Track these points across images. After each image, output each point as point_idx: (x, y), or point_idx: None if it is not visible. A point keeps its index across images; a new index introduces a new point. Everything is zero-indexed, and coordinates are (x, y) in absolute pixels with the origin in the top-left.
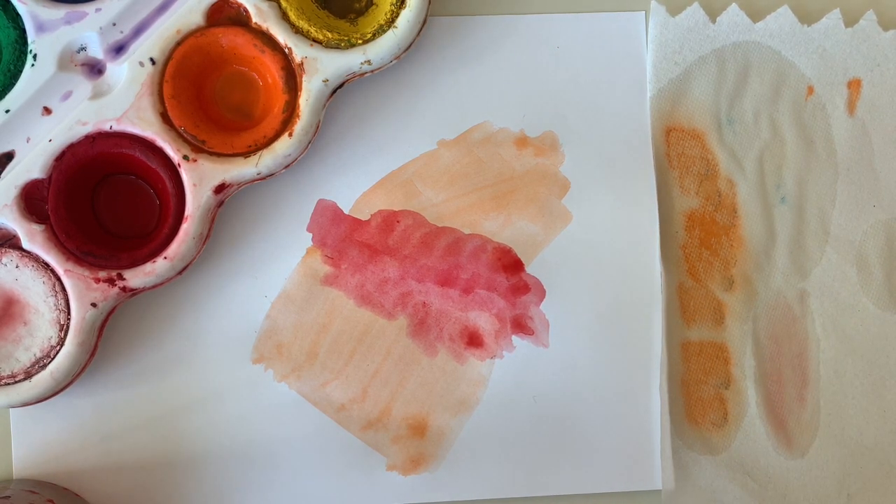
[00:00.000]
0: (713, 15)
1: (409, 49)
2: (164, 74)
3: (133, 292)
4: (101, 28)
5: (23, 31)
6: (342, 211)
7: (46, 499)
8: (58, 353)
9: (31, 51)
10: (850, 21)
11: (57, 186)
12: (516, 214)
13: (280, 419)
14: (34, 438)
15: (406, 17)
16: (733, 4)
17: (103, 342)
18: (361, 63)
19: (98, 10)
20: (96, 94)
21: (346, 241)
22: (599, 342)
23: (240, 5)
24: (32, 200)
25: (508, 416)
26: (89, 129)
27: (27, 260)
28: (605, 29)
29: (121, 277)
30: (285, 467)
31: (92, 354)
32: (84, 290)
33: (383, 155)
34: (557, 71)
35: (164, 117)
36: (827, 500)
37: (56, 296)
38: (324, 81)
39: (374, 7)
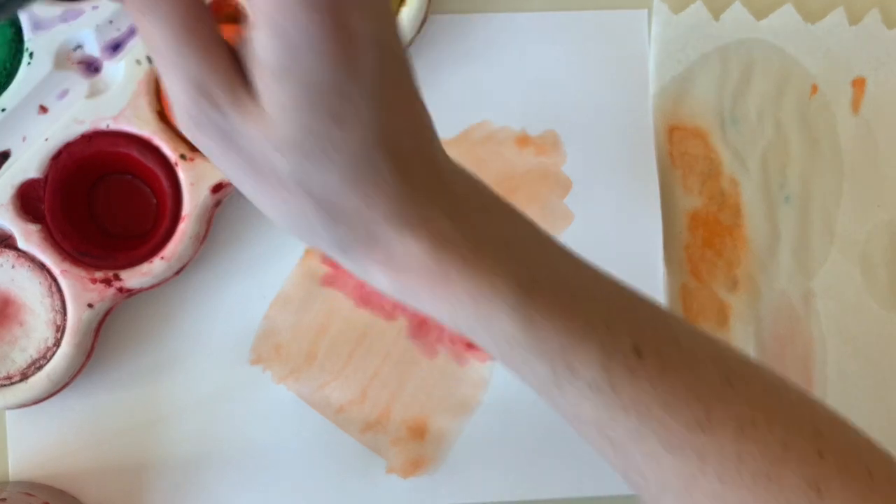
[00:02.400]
0: (716, 13)
1: (409, 47)
2: None
3: (130, 293)
4: (97, 26)
5: (19, 29)
6: None
7: (43, 501)
8: (54, 354)
9: (27, 49)
10: (854, 19)
11: (53, 186)
12: None
13: (278, 421)
14: (30, 440)
15: (406, 16)
16: (736, 2)
17: (100, 343)
18: None
19: (94, 7)
20: (93, 93)
21: None
22: None
23: (238, 4)
24: (28, 200)
25: (509, 419)
26: (86, 127)
27: (23, 260)
28: (608, 26)
29: (117, 278)
30: (283, 469)
31: (88, 355)
32: (80, 291)
33: None
34: (559, 69)
35: (161, 116)
36: None
37: (52, 296)
38: None
39: None
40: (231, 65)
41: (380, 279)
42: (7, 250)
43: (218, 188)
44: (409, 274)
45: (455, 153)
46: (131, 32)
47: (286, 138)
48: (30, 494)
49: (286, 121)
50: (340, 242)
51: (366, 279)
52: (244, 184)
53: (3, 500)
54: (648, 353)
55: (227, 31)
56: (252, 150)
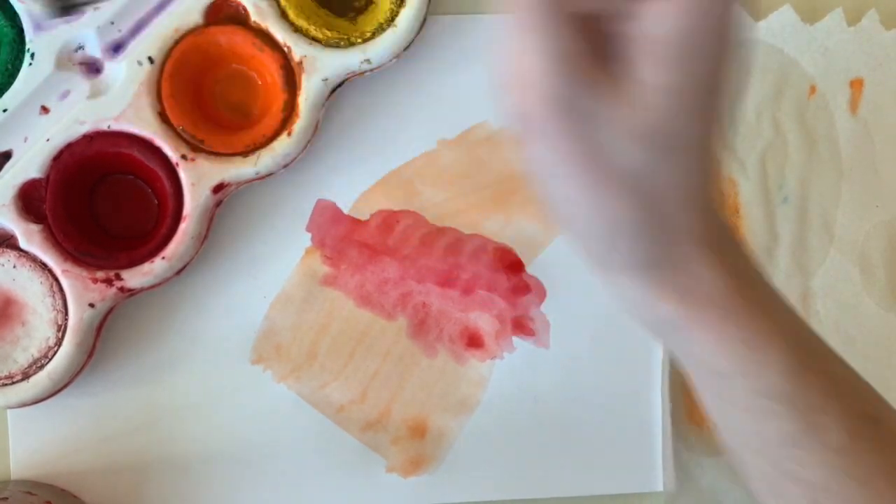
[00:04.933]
0: None
1: (409, 48)
2: (163, 73)
3: (131, 293)
4: (98, 27)
5: (20, 30)
6: (341, 211)
7: (44, 500)
8: (55, 353)
9: (28, 49)
10: (852, 20)
11: (55, 186)
12: (517, 214)
13: (279, 420)
14: (32, 439)
15: (406, 16)
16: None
17: (101, 343)
18: (361, 62)
19: (96, 8)
20: (94, 94)
21: (345, 241)
22: (600, 343)
23: (239, 4)
24: (30, 200)
25: (509, 418)
26: (87, 128)
27: (25, 260)
28: None
29: (119, 278)
30: (284, 468)
31: (90, 355)
32: (82, 291)
33: (383, 155)
34: None
35: (163, 116)
36: None
37: (54, 296)
38: (323, 80)
39: (373, 6)
40: (595, 41)
41: (656, 306)
42: (9, 250)
43: (219, 188)
44: (696, 305)
45: (455, 154)
46: (133, 33)
47: (651, 125)
48: (31, 493)
49: (661, 107)
50: (636, 257)
51: (636, 303)
52: (564, 176)
53: (5, 499)
54: (885, 421)
55: (228, 31)
56: (600, 134)
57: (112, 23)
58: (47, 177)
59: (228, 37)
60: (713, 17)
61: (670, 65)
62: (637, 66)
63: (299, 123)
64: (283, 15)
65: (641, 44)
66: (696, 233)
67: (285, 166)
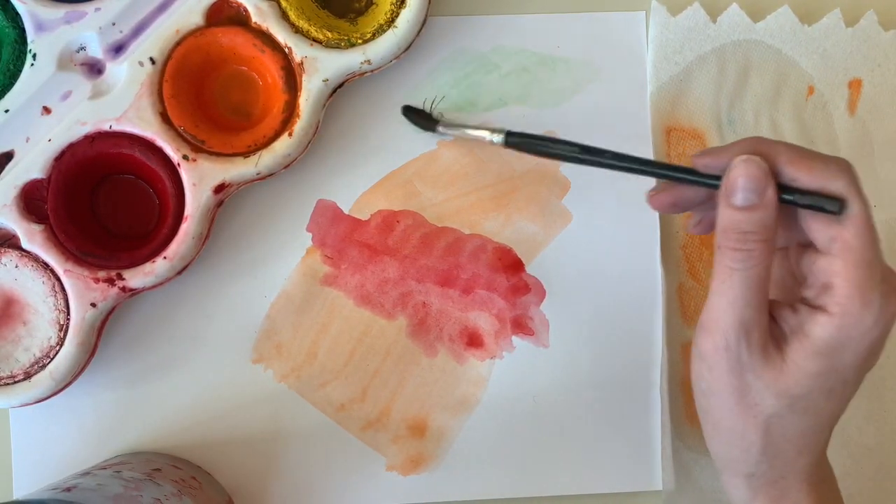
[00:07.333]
0: (714, 15)
1: (409, 49)
2: (164, 74)
3: (133, 292)
4: (100, 28)
5: (22, 31)
6: (342, 211)
7: (190, 475)
8: (57, 353)
9: (30, 50)
10: (850, 21)
11: (56, 186)
12: (516, 214)
13: (279, 419)
14: (33, 438)
15: (406, 17)
16: (734, 4)
17: (103, 342)
18: (361, 63)
19: (97, 9)
20: (96, 94)
21: (345, 241)
22: (600, 342)
23: (239, 5)
24: (32, 200)
25: (508, 417)
26: (89, 128)
27: (27, 260)
28: (606, 28)
29: (120, 277)
30: (285, 467)
31: (91, 354)
32: (83, 290)
33: (383, 155)
34: (557, 71)
35: (164, 117)
36: None
37: (55, 296)
38: (324, 81)
39: (373, 7)
40: (769, 323)
41: None
42: (11, 250)
43: (220, 188)
44: None
45: (455, 154)
46: (134, 34)
47: (789, 391)
48: (177, 468)
49: (800, 383)
50: (753, 475)
51: (737, 499)
52: (717, 395)
53: (158, 470)
54: None
55: (229, 32)
56: (752, 384)
57: (113, 24)
58: (49, 177)
59: (230, 38)
60: (863, 339)
61: (819, 360)
62: (793, 349)
63: (300, 124)
64: (284, 16)
65: (800, 337)
66: (804, 473)
67: (286, 167)
